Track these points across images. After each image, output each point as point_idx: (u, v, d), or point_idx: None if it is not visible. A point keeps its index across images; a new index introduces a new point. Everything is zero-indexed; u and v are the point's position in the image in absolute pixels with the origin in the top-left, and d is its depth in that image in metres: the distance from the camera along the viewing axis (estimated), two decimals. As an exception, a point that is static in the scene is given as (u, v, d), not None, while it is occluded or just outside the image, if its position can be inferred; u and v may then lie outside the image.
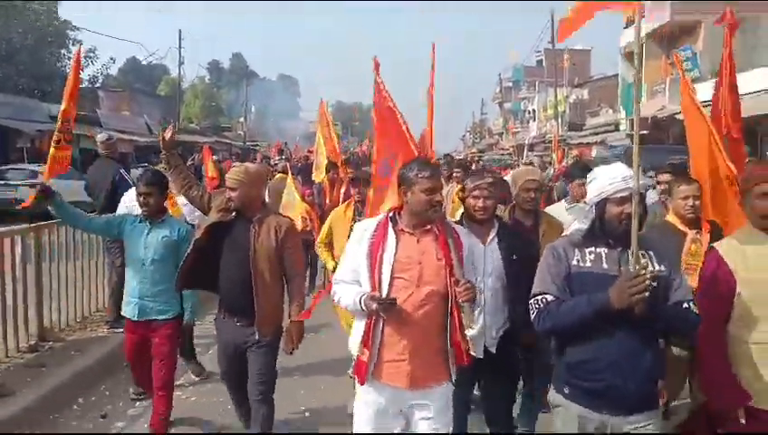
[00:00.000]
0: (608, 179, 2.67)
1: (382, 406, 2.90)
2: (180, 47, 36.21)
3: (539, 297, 2.69)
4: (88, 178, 7.22)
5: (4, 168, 20.26)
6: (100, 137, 7.22)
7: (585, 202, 2.90)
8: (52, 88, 28.79)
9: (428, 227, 2.92)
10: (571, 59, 38.14)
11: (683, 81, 4.66)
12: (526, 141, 32.36)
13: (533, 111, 49.95)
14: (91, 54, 33.37)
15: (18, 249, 5.49)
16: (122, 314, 4.31)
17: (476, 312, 3.29)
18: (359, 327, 2.93)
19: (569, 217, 4.59)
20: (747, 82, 16.61)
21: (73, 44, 32.48)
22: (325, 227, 5.25)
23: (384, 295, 2.77)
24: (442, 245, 2.88)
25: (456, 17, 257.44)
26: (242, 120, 53.81)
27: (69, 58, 32.96)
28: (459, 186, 6.95)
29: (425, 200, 2.84)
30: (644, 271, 2.45)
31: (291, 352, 3.82)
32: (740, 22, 4.81)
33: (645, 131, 20.08)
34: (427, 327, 2.85)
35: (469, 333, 3.10)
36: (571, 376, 2.66)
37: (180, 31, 36.54)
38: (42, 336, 5.73)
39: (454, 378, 2.95)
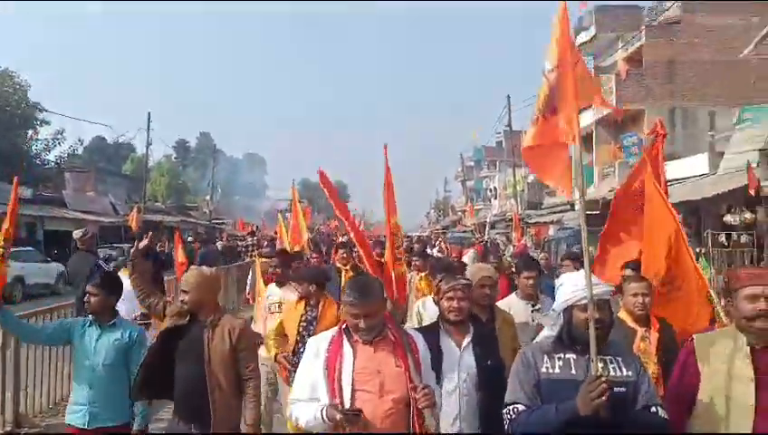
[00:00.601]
0: (571, 287, 2.76)
1: None
2: (149, 129, 36.79)
3: (510, 407, 2.70)
4: (68, 270, 7.64)
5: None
6: (77, 233, 7.97)
7: (553, 309, 2.92)
8: (16, 170, 28.90)
9: (383, 333, 2.91)
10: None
11: (647, 172, 4.59)
12: (487, 220, 33.30)
13: (494, 188, 51.51)
14: (59, 136, 33.79)
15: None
16: (67, 422, 4.12)
17: (453, 417, 3.32)
18: None
19: (522, 306, 4.89)
20: (692, 167, 17.90)
21: (41, 125, 32.93)
22: (277, 320, 5.23)
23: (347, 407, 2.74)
24: (399, 351, 2.87)
25: (424, 94, 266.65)
26: (208, 198, 54.14)
27: (36, 140, 33.38)
28: (420, 274, 7.44)
29: (352, 324, 2.86)
30: (601, 375, 2.50)
31: None
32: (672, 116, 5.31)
33: (596, 211, 21.09)
34: None
35: None
36: None
37: (149, 113, 37.28)
38: (17, 423, 5.88)
39: None
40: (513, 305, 4.88)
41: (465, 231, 42.61)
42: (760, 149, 13.31)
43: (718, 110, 20.08)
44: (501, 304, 4.94)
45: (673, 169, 15.65)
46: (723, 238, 13.71)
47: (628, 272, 5.13)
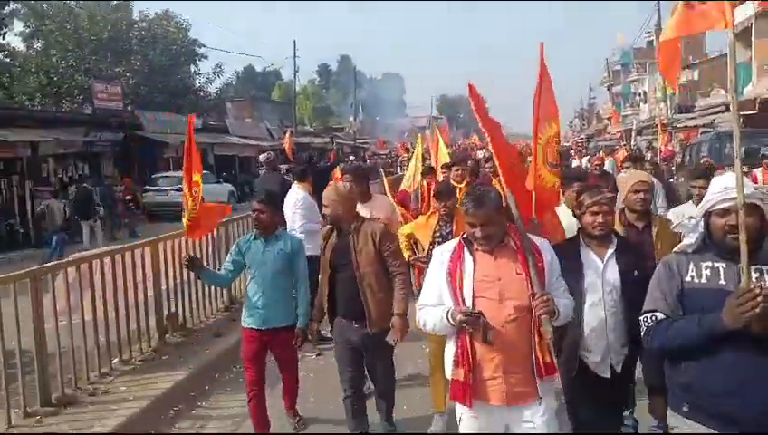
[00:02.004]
0: (710, 192, 2.57)
1: (485, 424, 2.95)
2: (295, 57, 38.99)
3: (648, 315, 2.59)
4: (257, 187, 9.32)
5: (155, 175, 23.37)
6: (262, 157, 9.72)
7: (691, 217, 2.79)
8: (185, 103, 32.25)
9: (505, 242, 2.98)
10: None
11: None
12: (634, 125, 32.04)
13: (644, 92, 48.67)
14: (218, 70, 36.81)
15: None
16: (244, 325, 4.55)
17: (600, 329, 3.31)
18: (450, 350, 2.99)
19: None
20: None
21: (200, 60, 36.00)
22: (407, 229, 5.20)
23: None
24: (521, 259, 2.93)
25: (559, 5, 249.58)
26: (351, 119, 56.34)
27: (198, 73, 36.63)
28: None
29: (470, 233, 2.96)
30: (755, 287, 2.23)
31: (394, 344, 4.13)
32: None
33: (753, 112, 19.88)
34: (516, 343, 2.86)
35: (591, 355, 3.30)
36: (688, 396, 2.51)
37: (295, 42, 39.46)
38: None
39: (541, 392, 2.89)
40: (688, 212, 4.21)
41: (610, 139, 41.20)
42: None
43: None
44: (676, 211, 4.85)
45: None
46: None
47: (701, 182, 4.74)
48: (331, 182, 5.84)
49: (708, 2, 2.55)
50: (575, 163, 20.91)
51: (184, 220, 4.81)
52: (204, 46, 35.47)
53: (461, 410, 3.00)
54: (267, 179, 9.22)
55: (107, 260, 5.86)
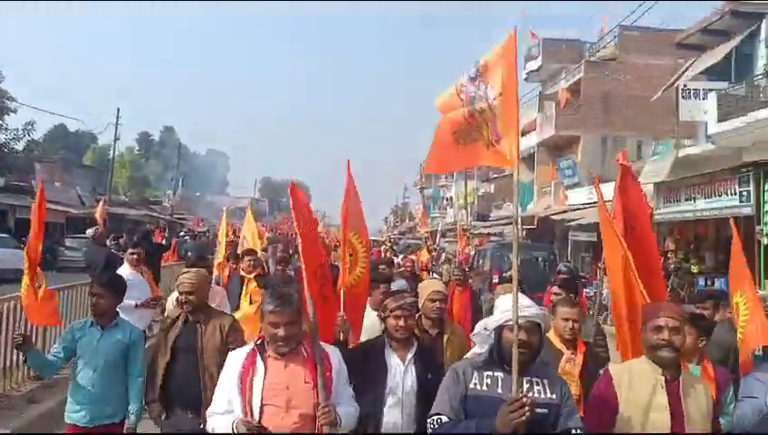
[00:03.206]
0: (503, 308, 2.87)
1: None
2: (117, 124, 37.95)
3: (435, 417, 2.81)
4: (86, 259, 9.51)
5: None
6: (89, 232, 9.95)
7: (485, 329, 3.00)
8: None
9: (297, 349, 3.04)
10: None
11: (601, 204, 4.21)
12: (439, 228, 35.41)
13: (451, 198, 53.83)
14: (28, 127, 34.43)
15: None
16: (68, 420, 4.20)
17: (395, 429, 3.42)
18: None
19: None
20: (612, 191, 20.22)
21: (7, 114, 33.39)
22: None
23: (256, 421, 2.89)
24: (310, 367, 3.01)
25: (384, 105, 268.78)
26: (169, 192, 54.85)
27: (6, 129, 33.92)
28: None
29: (270, 333, 3.00)
30: (524, 397, 2.57)
31: None
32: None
33: (532, 226, 23.41)
34: None
35: None
36: None
37: (119, 109, 38.43)
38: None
39: None
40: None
41: (419, 238, 44.77)
42: (655, 183, 15.58)
43: (645, 140, 22.54)
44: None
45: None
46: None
47: (556, 290, 5.40)
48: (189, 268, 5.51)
49: (503, 140, 2.95)
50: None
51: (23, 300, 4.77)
52: (13, 100, 33.18)
53: None
54: (93, 253, 9.40)
55: None
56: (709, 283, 12.30)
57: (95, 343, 4.15)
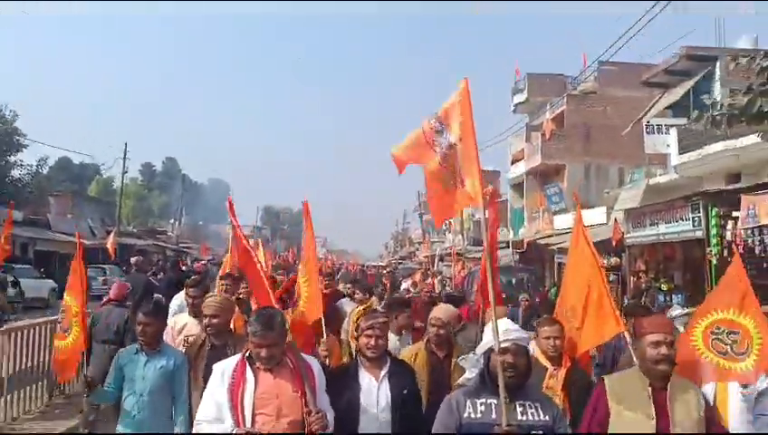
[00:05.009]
0: (490, 332, 2.95)
1: None
2: (125, 158, 39.67)
3: None
4: (129, 283, 10.84)
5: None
6: (134, 260, 11.41)
7: (474, 353, 3.10)
8: (2, 194, 31.14)
9: (283, 362, 3.21)
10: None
11: (578, 223, 4.82)
12: (437, 252, 36.71)
13: (449, 223, 55.14)
14: (41, 162, 36.13)
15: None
16: None
17: None
18: None
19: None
20: (592, 217, 21.71)
21: (20, 151, 34.90)
22: None
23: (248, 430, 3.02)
24: (297, 378, 3.17)
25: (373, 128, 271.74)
26: (172, 221, 56.07)
27: (20, 164, 35.52)
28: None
29: (255, 352, 3.17)
30: (514, 425, 2.66)
31: None
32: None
33: (522, 250, 24.78)
34: None
35: None
36: None
37: (126, 144, 40.16)
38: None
39: None
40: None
41: (419, 263, 45.88)
42: (625, 209, 17.05)
43: (626, 168, 24.01)
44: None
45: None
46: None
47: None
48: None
49: (466, 182, 3.17)
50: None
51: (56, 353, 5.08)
52: (25, 136, 34.75)
53: None
54: (134, 279, 10.46)
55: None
56: (668, 298, 13.67)
57: (141, 370, 4.25)
